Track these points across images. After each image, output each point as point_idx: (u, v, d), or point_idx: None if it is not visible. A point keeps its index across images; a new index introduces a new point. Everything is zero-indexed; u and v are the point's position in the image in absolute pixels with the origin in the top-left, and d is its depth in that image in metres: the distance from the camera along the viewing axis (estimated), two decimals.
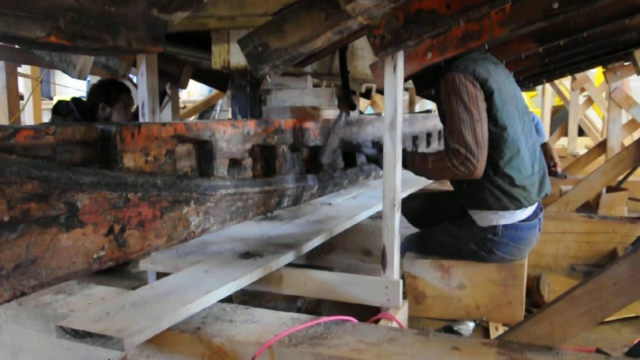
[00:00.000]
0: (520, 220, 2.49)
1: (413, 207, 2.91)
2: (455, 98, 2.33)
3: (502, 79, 2.45)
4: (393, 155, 2.08)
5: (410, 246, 2.78)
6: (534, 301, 2.76)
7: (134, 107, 3.39)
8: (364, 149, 2.65)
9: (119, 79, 3.66)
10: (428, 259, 2.65)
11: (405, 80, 2.26)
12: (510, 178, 2.40)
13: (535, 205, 2.54)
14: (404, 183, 2.32)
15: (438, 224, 2.70)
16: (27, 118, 4.95)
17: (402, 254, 2.75)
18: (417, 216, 2.95)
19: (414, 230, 2.97)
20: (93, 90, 3.45)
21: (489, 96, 2.36)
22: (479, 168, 2.29)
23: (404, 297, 2.48)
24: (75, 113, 3.27)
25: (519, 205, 2.45)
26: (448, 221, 2.66)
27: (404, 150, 2.35)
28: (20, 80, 4.80)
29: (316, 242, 2.50)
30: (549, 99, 9.44)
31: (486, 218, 2.49)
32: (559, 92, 8.96)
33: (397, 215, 2.12)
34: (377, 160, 2.58)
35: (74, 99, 3.41)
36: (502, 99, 2.38)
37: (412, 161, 2.44)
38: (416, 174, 2.48)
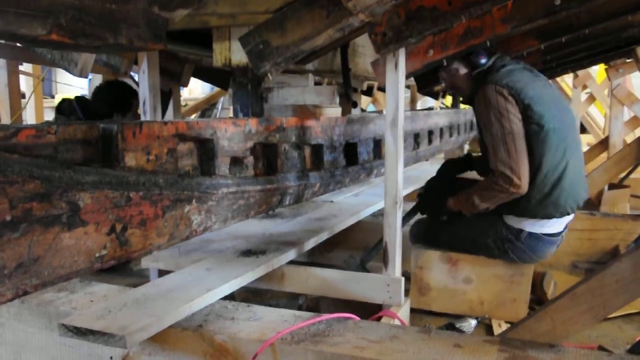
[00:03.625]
0: (547, 233, 2.46)
1: (431, 190, 2.89)
2: (489, 111, 2.35)
3: (539, 87, 2.42)
4: (395, 153, 2.08)
5: (422, 230, 2.75)
6: (537, 297, 2.75)
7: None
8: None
9: (122, 78, 3.66)
10: (437, 250, 2.63)
11: (407, 77, 2.26)
12: (551, 186, 2.36)
13: (566, 221, 2.52)
14: (405, 181, 2.32)
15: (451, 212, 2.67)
16: (29, 116, 4.95)
17: (413, 239, 2.77)
18: (432, 201, 2.87)
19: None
20: (102, 94, 3.42)
21: (527, 106, 2.32)
22: (523, 183, 2.30)
23: (408, 289, 2.48)
24: (78, 113, 3.27)
25: (551, 215, 2.41)
26: None
27: (447, 203, 2.53)
28: (22, 78, 4.80)
29: (318, 239, 2.50)
30: None
31: (516, 220, 2.46)
32: (561, 89, 8.94)
33: (399, 212, 2.12)
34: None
35: (77, 98, 3.41)
36: (543, 106, 2.34)
37: (459, 204, 2.51)
38: (471, 213, 2.49)
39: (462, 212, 2.52)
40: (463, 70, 2.59)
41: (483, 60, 2.53)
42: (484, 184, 2.40)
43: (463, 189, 2.54)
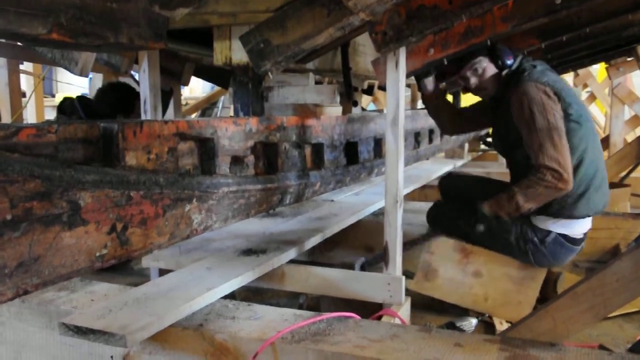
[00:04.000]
0: (572, 237, 2.47)
1: (455, 180, 3.05)
2: (532, 108, 2.32)
3: (569, 87, 2.45)
4: (395, 152, 2.08)
5: (441, 214, 2.76)
6: (544, 297, 2.74)
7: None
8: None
9: (122, 77, 3.66)
10: (451, 238, 2.62)
11: (408, 76, 2.26)
12: (586, 185, 2.38)
13: (588, 225, 2.53)
14: (406, 180, 2.32)
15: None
16: (30, 115, 4.95)
17: (430, 222, 2.79)
18: (454, 189, 3.00)
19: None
20: (105, 96, 3.43)
21: (567, 104, 2.35)
22: (571, 179, 2.26)
23: (413, 274, 2.49)
24: (79, 112, 3.28)
25: (583, 215, 2.43)
26: None
27: (485, 207, 2.44)
28: (23, 77, 4.79)
29: (318, 238, 2.50)
30: None
31: (544, 221, 2.45)
32: None
33: (400, 211, 2.12)
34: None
35: (79, 97, 3.42)
36: (579, 105, 2.39)
37: (498, 207, 2.43)
38: (513, 215, 2.41)
39: (499, 216, 2.43)
40: (491, 71, 2.57)
41: (510, 61, 2.53)
42: (529, 182, 2.30)
43: (489, 192, 2.52)
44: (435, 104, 2.97)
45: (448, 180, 3.13)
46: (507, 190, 2.38)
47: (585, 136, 2.37)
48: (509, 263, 2.53)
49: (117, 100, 3.39)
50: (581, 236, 2.51)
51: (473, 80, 2.64)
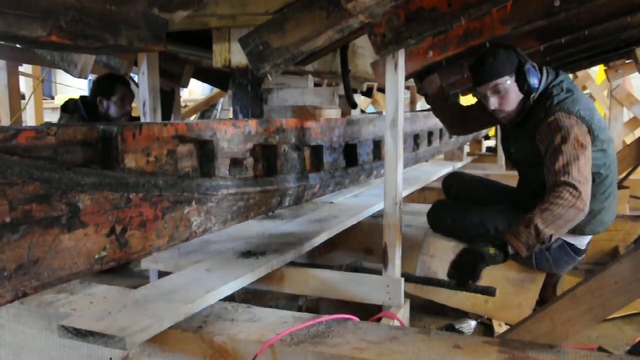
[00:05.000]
0: (579, 246, 2.47)
1: (457, 180, 2.99)
2: (564, 136, 2.19)
3: (593, 107, 2.36)
4: (394, 154, 2.08)
5: (441, 213, 2.72)
6: (542, 299, 2.74)
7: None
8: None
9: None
10: (451, 241, 2.61)
11: (407, 78, 2.26)
12: (601, 204, 2.39)
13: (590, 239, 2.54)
14: (405, 182, 2.32)
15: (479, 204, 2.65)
16: (29, 117, 4.95)
17: (432, 221, 2.75)
18: (456, 189, 2.96)
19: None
20: (92, 86, 3.52)
21: (596, 136, 2.27)
22: (587, 205, 2.12)
23: (412, 277, 2.46)
24: (81, 110, 3.35)
25: (594, 232, 2.46)
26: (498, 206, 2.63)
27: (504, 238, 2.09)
28: (22, 79, 4.79)
29: (317, 240, 2.50)
30: None
31: None
32: None
33: (399, 213, 2.12)
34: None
35: (82, 97, 3.49)
36: (605, 132, 2.35)
37: (518, 239, 2.08)
38: (535, 249, 2.14)
39: (519, 253, 2.11)
40: (516, 94, 2.36)
41: (536, 82, 2.34)
42: (546, 204, 2.09)
43: (491, 194, 2.50)
44: (440, 104, 2.84)
45: (451, 179, 3.11)
46: (523, 219, 2.11)
47: (609, 163, 2.36)
48: (508, 266, 2.52)
49: (97, 83, 3.47)
50: (585, 247, 2.52)
51: (493, 101, 2.38)
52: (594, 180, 2.26)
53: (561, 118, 2.23)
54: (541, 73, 2.37)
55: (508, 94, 2.34)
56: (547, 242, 2.12)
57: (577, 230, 2.34)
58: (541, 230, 2.05)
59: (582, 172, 2.12)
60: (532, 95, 2.36)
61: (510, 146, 2.61)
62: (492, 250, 2.06)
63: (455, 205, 2.81)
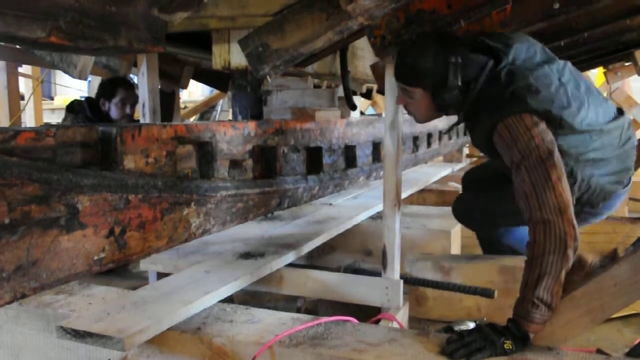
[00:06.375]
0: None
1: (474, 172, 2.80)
2: (523, 155, 1.74)
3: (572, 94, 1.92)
4: (394, 156, 2.08)
5: (474, 208, 2.59)
6: None
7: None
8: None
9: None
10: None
11: None
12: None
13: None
14: (404, 183, 2.32)
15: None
16: (28, 118, 4.95)
17: (465, 219, 2.66)
18: (474, 181, 2.78)
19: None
20: (97, 88, 3.55)
21: (569, 121, 1.86)
22: (576, 228, 1.65)
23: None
24: (86, 111, 3.38)
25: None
26: None
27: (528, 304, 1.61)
28: (21, 80, 4.79)
29: (317, 242, 2.50)
30: None
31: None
32: None
33: (398, 215, 2.12)
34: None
35: (87, 98, 3.55)
36: (586, 117, 1.90)
37: (534, 319, 1.60)
38: (547, 295, 1.60)
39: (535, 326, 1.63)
40: (427, 107, 2.01)
41: (452, 100, 1.93)
42: (534, 261, 1.64)
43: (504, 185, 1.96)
44: None
45: (468, 173, 2.94)
46: (524, 294, 1.65)
47: (607, 140, 1.96)
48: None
49: (101, 85, 3.50)
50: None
51: (401, 99, 2.04)
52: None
53: (512, 125, 1.77)
54: (494, 55, 1.94)
55: (417, 104, 2.00)
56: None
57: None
58: (548, 300, 1.60)
59: (558, 193, 1.65)
60: (472, 87, 1.93)
61: (474, 140, 2.16)
62: (509, 345, 1.59)
63: (475, 196, 2.64)
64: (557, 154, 1.74)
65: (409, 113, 2.10)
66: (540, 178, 1.69)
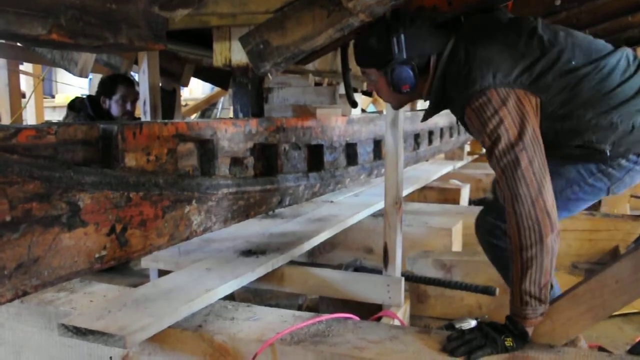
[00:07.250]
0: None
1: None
2: (493, 138, 1.61)
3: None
4: (395, 153, 2.08)
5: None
6: None
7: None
8: None
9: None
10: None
11: None
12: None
13: None
14: (406, 181, 2.32)
15: None
16: (29, 116, 4.95)
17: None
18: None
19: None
20: (98, 85, 3.54)
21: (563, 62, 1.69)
22: (555, 215, 1.59)
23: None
24: (88, 108, 3.37)
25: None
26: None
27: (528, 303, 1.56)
28: (22, 78, 4.79)
29: (318, 240, 2.50)
30: None
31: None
32: None
33: (399, 213, 2.12)
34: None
35: (89, 96, 3.53)
36: (579, 56, 1.75)
37: (528, 315, 1.57)
38: (535, 288, 1.56)
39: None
40: (387, 89, 1.84)
41: (407, 81, 1.77)
42: (514, 256, 1.60)
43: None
44: None
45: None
46: (512, 292, 1.63)
47: (610, 78, 1.80)
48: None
49: (101, 82, 3.49)
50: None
51: (369, 85, 1.94)
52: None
53: (478, 109, 1.61)
54: (457, 33, 1.77)
55: (379, 86, 1.86)
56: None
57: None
58: (537, 294, 1.57)
59: (529, 180, 1.55)
60: (431, 64, 1.77)
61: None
62: (509, 343, 1.57)
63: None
64: (529, 132, 1.57)
65: (384, 100, 1.97)
66: (510, 165, 1.57)
